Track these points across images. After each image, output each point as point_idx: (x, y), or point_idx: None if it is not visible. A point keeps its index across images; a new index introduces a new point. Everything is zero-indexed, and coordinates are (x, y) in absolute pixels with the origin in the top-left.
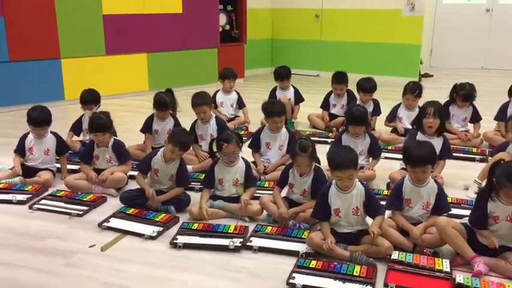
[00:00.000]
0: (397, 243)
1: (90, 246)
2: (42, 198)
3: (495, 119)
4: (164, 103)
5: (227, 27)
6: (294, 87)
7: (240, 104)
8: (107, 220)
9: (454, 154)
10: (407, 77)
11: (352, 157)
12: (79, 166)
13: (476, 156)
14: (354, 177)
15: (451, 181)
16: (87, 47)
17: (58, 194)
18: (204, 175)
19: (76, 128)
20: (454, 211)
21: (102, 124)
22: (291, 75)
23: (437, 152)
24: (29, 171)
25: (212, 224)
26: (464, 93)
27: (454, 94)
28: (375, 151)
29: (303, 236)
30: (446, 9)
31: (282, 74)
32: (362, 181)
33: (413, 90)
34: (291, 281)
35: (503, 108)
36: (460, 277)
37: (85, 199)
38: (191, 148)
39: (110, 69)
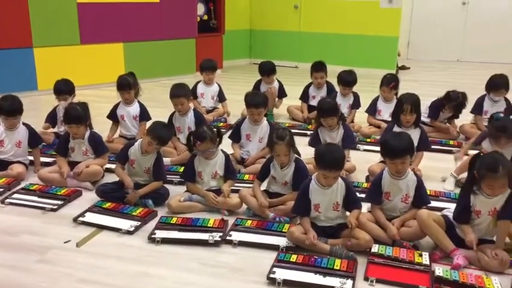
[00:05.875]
0: (377, 237)
1: (65, 242)
2: (15, 192)
3: (471, 112)
4: (128, 83)
5: (205, 17)
6: (278, 82)
7: (221, 97)
8: (82, 215)
9: (431, 147)
10: (385, 69)
11: (342, 158)
12: (53, 159)
13: (453, 149)
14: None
15: (428, 173)
16: (60, 36)
17: (31, 188)
18: (183, 168)
19: (51, 119)
20: (432, 203)
21: (77, 115)
22: (275, 71)
23: (415, 143)
24: (0, 165)
25: (191, 218)
26: (455, 105)
27: (445, 101)
28: (346, 142)
29: (283, 230)
30: (424, 2)
31: (266, 70)
32: (342, 175)
33: (389, 82)
34: (271, 275)
35: (480, 101)
36: (439, 270)
37: (59, 193)
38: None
39: (85, 59)
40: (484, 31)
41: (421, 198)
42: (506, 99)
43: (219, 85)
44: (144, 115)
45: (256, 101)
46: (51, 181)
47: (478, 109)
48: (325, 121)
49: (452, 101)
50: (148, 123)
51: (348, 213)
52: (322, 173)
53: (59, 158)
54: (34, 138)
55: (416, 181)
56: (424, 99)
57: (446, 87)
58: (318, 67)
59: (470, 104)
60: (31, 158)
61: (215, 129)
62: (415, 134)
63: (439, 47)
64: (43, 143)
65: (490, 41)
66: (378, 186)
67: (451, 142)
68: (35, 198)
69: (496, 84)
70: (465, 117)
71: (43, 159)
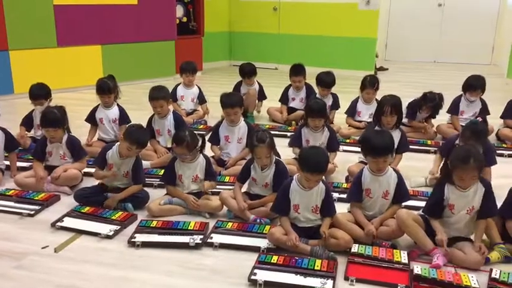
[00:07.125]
0: (358, 238)
1: (42, 248)
2: None
3: (448, 112)
4: (107, 87)
5: (184, 19)
6: (259, 84)
7: (201, 99)
8: (60, 219)
9: (410, 146)
10: (364, 71)
11: (326, 161)
12: (30, 163)
13: (431, 148)
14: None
15: (406, 173)
16: (37, 38)
17: (7, 193)
18: (163, 171)
19: (27, 123)
20: (410, 202)
21: (55, 119)
22: (255, 72)
23: (395, 144)
24: None
25: (172, 221)
26: (432, 105)
27: (422, 102)
28: (332, 144)
29: (264, 231)
30: (401, 4)
31: (247, 72)
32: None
33: (372, 83)
34: (252, 277)
35: (456, 102)
36: (417, 268)
37: (37, 198)
38: (149, 144)
39: (62, 62)
40: (459, 32)
41: (401, 193)
42: (481, 100)
43: (199, 87)
44: (123, 118)
45: (231, 100)
46: (28, 186)
47: (454, 109)
48: (313, 121)
49: (429, 102)
50: None
51: None
52: (305, 175)
53: (36, 162)
54: (10, 143)
55: (397, 178)
56: (402, 99)
57: (423, 87)
58: (297, 71)
59: (446, 104)
60: (7, 162)
61: (199, 135)
62: (395, 136)
63: (416, 48)
64: (20, 148)
65: (465, 42)
66: (358, 184)
67: (429, 142)
68: (12, 203)
69: (472, 84)
70: (442, 118)
71: (20, 163)
